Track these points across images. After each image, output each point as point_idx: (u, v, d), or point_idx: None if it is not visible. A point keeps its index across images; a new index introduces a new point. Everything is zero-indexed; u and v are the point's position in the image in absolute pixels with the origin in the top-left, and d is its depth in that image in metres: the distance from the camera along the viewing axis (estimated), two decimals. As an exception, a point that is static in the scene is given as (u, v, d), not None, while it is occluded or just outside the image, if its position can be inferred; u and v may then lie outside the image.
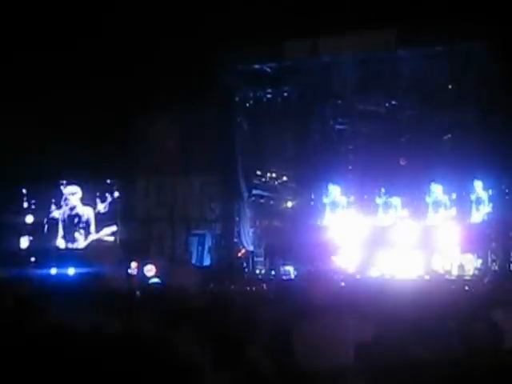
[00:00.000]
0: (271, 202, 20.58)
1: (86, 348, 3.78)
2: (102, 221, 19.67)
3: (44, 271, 15.91)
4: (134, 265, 16.86)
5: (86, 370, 3.52)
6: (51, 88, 17.84)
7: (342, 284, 7.20)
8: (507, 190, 17.59)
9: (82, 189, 19.43)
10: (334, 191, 19.47)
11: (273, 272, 18.43)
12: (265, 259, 19.03)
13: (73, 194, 17.57)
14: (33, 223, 19.49)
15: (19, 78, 17.47)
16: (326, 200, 19.54)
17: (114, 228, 19.61)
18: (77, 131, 18.13)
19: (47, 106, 17.75)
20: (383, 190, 18.95)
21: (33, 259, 18.12)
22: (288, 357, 5.54)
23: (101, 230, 19.64)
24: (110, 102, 17.96)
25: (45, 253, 18.64)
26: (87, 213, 19.11)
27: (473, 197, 18.18)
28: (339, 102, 19.85)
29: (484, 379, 4.78)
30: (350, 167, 19.92)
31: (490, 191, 17.87)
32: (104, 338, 4.14)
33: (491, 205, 17.86)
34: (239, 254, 19.00)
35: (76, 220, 19.47)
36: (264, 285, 15.14)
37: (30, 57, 17.30)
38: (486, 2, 15.78)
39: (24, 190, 19.61)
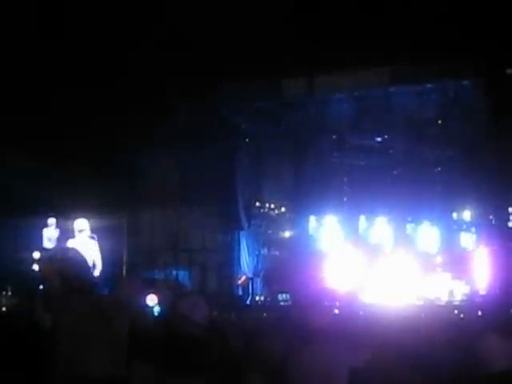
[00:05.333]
0: (269, 232, 20.56)
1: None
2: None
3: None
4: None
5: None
6: (61, 127, 17.83)
7: (336, 311, 7.11)
8: (494, 221, 17.56)
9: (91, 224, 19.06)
10: (330, 221, 19.47)
11: (271, 299, 18.39)
12: (264, 286, 19.01)
13: (80, 230, 17.02)
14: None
15: (30, 118, 17.45)
16: (321, 229, 19.53)
17: None
18: (86, 168, 18.12)
19: (59, 144, 17.75)
20: (377, 219, 18.98)
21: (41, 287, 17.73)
22: (284, 382, 5.49)
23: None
24: (116, 141, 17.96)
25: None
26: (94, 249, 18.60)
27: (461, 227, 18.20)
28: (334, 136, 19.88)
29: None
30: (345, 198, 19.93)
31: (478, 221, 17.87)
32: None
33: (479, 234, 17.85)
34: (239, 282, 18.95)
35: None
36: (263, 311, 15.07)
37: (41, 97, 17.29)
38: (473, 42, 15.83)
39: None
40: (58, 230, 17.81)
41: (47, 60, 17.20)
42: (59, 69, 17.30)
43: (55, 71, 17.30)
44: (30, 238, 18.67)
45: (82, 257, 5.42)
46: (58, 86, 17.47)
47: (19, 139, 17.57)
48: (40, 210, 18.48)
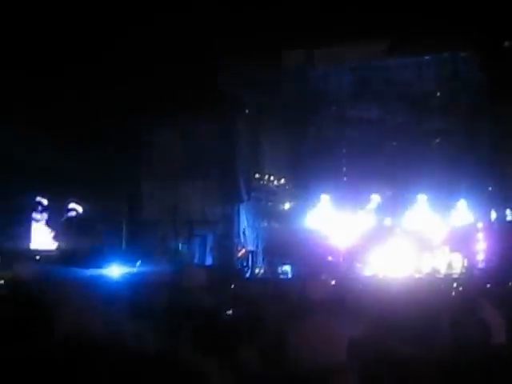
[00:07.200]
0: (269, 204, 20.57)
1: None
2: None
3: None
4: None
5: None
6: (61, 95, 17.71)
7: (334, 282, 7.17)
8: (492, 193, 17.56)
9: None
10: (329, 193, 19.47)
11: (271, 271, 18.44)
12: (263, 259, 19.05)
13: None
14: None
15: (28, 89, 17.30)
16: (320, 202, 19.53)
17: None
18: (87, 138, 18.06)
19: (57, 113, 17.63)
20: (376, 191, 18.99)
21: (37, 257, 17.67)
22: (282, 354, 5.51)
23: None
24: (117, 111, 17.89)
25: None
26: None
27: (459, 199, 18.20)
28: (334, 108, 19.87)
29: (472, 374, 4.74)
30: (344, 169, 19.95)
31: (477, 193, 17.86)
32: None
33: (477, 207, 17.85)
34: (239, 254, 18.97)
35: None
36: (263, 283, 15.10)
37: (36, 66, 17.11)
38: (472, 14, 15.78)
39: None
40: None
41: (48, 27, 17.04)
42: (58, 39, 17.17)
43: (55, 41, 17.17)
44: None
45: None
46: (57, 58, 17.36)
47: (10, 106, 17.36)
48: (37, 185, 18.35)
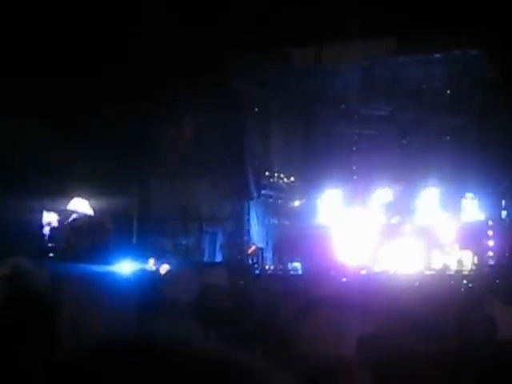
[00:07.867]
0: (279, 201, 20.60)
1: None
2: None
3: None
4: (151, 262, 16.78)
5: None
6: (65, 88, 17.64)
7: (345, 279, 7.16)
8: (503, 190, 17.55)
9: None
10: (338, 191, 19.48)
11: (281, 268, 18.47)
12: (273, 256, 19.08)
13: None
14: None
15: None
16: (330, 199, 19.54)
17: None
18: (93, 133, 18.06)
19: (63, 108, 17.58)
20: (386, 188, 18.99)
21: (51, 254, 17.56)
22: (291, 351, 5.52)
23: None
24: (126, 109, 17.92)
25: None
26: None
27: (470, 196, 18.17)
28: (343, 106, 19.89)
29: (481, 371, 4.75)
30: (354, 167, 19.97)
31: (487, 190, 17.84)
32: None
33: (488, 204, 17.83)
34: (249, 251, 18.99)
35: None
36: (273, 280, 15.12)
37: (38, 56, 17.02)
38: (482, 12, 15.77)
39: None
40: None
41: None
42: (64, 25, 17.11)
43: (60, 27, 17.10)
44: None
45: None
46: (63, 54, 17.30)
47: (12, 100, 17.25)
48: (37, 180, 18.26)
